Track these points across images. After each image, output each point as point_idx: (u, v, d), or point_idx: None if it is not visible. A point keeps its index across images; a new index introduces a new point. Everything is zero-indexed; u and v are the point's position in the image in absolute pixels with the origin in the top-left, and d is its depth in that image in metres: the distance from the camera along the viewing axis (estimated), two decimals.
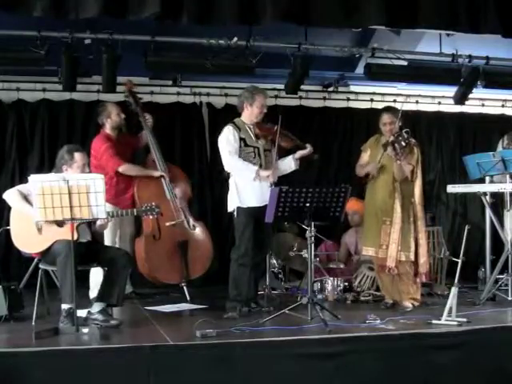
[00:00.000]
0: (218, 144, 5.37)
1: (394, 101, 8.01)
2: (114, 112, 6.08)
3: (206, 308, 5.62)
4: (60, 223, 4.61)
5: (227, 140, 5.29)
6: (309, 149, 5.47)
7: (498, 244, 6.48)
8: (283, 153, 5.59)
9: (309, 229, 4.98)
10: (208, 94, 7.55)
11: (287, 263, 6.93)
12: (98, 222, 4.81)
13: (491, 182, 6.28)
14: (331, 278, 6.10)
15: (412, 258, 5.46)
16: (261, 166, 5.32)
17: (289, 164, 5.53)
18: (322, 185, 5.51)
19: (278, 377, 4.08)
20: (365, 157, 5.77)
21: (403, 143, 5.37)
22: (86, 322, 4.69)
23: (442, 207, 8.15)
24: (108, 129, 6.10)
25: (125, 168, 5.98)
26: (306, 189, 4.86)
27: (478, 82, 7.16)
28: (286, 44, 6.51)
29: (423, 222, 5.60)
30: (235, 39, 6.29)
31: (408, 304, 5.46)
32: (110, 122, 6.08)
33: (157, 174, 6.12)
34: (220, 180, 6.76)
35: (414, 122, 7.73)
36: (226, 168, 5.33)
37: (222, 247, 6.92)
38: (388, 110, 5.81)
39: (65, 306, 4.56)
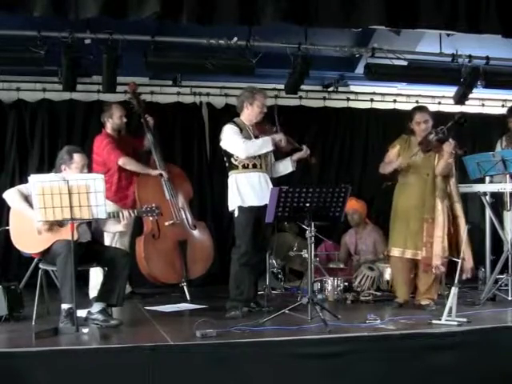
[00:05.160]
0: (225, 141, 5.29)
1: (394, 101, 8.03)
2: (117, 114, 6.12)
3: (205, 308, 5.62)
4: (60, 223, 4.62)
5: (234, 132, 5.26)
6: (304, 150, 5.47)
7: (497, 244, 6.48)
8: (282, 154, 5.59)
9: (309, 229, 4.98)
10: (208, 94, 7.55)
11: (287, 263, 6.93)
12: (123, 222, 4.79)
13: (491, 182, 6.28)
14: (331, 278, 6.10)
15: (446, 254, 5.43)
16: (260, 167, 5.32)
17: (286, 166, 5.54)
18: (322, 185, 5.51)
19: (278, 377, 4.08)
20: (392, 154, 5.69)
21: (451, 140, 5.37)
22: (86, 321, 4.69)
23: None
24: (109, 128, 6.16)
25: (124, 161, 6.00)
26: (306, 189, 4.86)
27: (478, 82, 7.16)
28: (286, 44, 6.51)
29: (464, 220, 5.53)
30: (235, 39, 6.29)
31: (427, 302, 5.45)
32: (111, 122, 6.13)
33: (154, 172, 6.13)
34: (220, 180, 6.76)
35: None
36: (245, 155, 5.21)
37: (222, 247, 6.93)
38: (419, 109, 5.76)
39: (65, 306, 4.56)
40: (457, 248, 5.48)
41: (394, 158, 5.68)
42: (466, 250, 5.41)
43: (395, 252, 5.58)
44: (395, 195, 5.68)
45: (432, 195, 5.47)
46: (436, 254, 5.40)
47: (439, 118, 8.00)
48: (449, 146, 5.39)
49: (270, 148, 5.29)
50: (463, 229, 5.44)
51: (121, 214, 4.79)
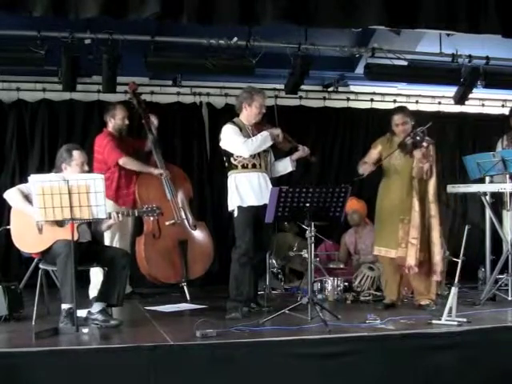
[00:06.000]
0: (225, 141, 5.29)
1: (394, 101, 8.02)
2: (120, 116, 6.12)
3: (205, 308, 5.63)
4: (60, 223, 4.61)
5: (234, 131, 5.26)
6: (301, 151, 5.48)
7: (497, 244, 6.48)
8: (281, 154, 5.60)
9: (309, 229, 4.98)
10: (208, 94, 7.56)
11: (287, 263, 6.93)
12: (110, 221, 4.80)
13: (491, 182, 6.28)
14: (331, 278, 6.10)
15: (427, 257, 5.46)
16: (260, 167, 5.32)
17: (286, 165, 5.54)
18: (322, 185, 5.51)
19: (278, 377, 4.08)
20: (373, 153, 5.72)
21: (424, 144, 5.39)
22: (86, 321, 4.69)
23: (442, 207, 8.14)
24: (110, 128, 6.16)
25: (125, 161, 6.00)
26: (305, 189, 4.86)
27: (478, 82, 7.16)
28: (286, 44, 6.51)
29: (438, 220, 5.55)
30: (235, 39, 6.29)
31: (427, 302, 5.46)
32: (113, 122, 6.14)
33: (156, 171, 6.13)
34: (220, 180, 6.77)
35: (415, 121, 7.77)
36: (248, 153, 5.21)
37: (222, 247, 6.92)
38: (398, 110, 5.78)
39: (65, 306, 4.57)
40: (428, 248, 5.49)
41: (373, 157, 5.70)
42: (436, 252, 5.47)
43: (380, 251, 5.61)
44: (378, 195, 5.72)
45: (409, 196, 5.49)
46: (410, 254, 5.40)
47: (438, 117, 8.13)
48: (418, 153, 5.43)
49: (270, 143, 5.29)
50: (437, 229, 5.51)
51: (112, 215, 4.77)
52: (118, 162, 5.99)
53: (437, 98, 8.21)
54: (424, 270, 5.49)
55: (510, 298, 5.76)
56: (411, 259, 5.40)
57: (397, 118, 5.63)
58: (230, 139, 5.27)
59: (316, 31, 6.35)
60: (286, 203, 4.82)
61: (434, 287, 5.59)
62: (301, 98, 7.73)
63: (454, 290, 4.74)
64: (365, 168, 5.61)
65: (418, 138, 5.41)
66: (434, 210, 5.54)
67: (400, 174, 5.55)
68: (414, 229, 5.42)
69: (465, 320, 4.72)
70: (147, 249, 6.01)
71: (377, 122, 7.98)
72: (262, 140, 5.26)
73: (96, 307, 4.75)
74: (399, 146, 5.50)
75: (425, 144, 5.43)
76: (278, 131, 5.33)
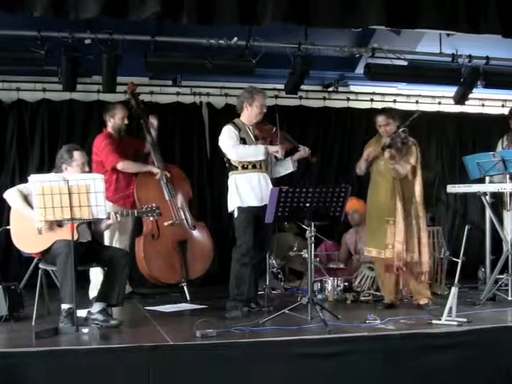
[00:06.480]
0: (220, 142, 5.34)
1: (394, 101, 8.02)
2: (119, 115, 6.11)
3: (205, 308, 5.63)
4: (60, 223, 4.62)
5: (229, 135, 5.28)
6: (302, 151, 5.48)
7: (497, 244, 6.48)
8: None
9: (309, 229, 4.98)
10: (208, 94, 7.55)
11: (287, 263, 6.93)
12: (109, 221, 4.80)
13: (491, 182, 6.28)
14: (331, 278, 6.11)
15: (416, 258, 5.46)
16: (260, 167, 5.32)
17: (287, 166, 5.55)
18: (322, 185, 5.51)
19: (278, 377, 4.08)
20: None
21: (399, 144, 5.39)
22: (86, 321, 4.69)
23: (442, 207, 8.16)
24: (110, 127, 6.15)
25: (123, 165, 5.99)
26: (305, 189, 4.86)
27: (478, 82, 7.16)
28: (286, 44, 6.51)
29: (424, 221, 5.58)
30: (235, 39, 6.29)
31: (426, 301, 5.46)
32: (112, 122, 6.12)
33: (156, 169, 6.12)
34: (220, 180, 6.78)
35: (414, 121, 7.75)
36: (236, 159, 5.25)
37: (222, 247, 6.92)
38: (381, 111, 5.81)
39: (65, 306, 4.56)
40: (418, 248, 5.49)
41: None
42: (424, 253, 5.47)
43: (370, 252, 5.62)
44: (367, 196, 5.75)
45: (393, 198, 5.49)
46: (398, 255, 5.41)
47: (439, 117, 8.14)
48: (386, 154, 5.46)
49: (261, 157, 5.28)
50: (425, 230, 5.53)
51: (111, 215, 4.78)
52: (115, 166, 5.97)
53: (437, 98, 8.21)
54: (419, 269, 5.49)
55: (510, 298, 5.76)
56: (399, 260, 5.41)
57: (380, 120, 5.65)
58: (223, 142, 5.30)
59: (316, 31, 6.34)
60: (285, 203, 4.82)
61: (428, 285, 5.59)
62: (301, 98, 7.73)
63: (454, 290, 4.74)
64: (360, 164, 5.64)
65: (398, 138, 5.41)
66: (421, 210, 5.55)
67: (384, 176, 5.56)
68: (399, 231, 5.43)
69: (465, 320, 4.72)
70: (147, 249, 6.01)
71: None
72: (254, 151, 5.26)
73: (96, 307, 4.76)
74: (381, 149, 5.52)
75: (399, 145, 5.41)
76: (275, 148, 5.30)
